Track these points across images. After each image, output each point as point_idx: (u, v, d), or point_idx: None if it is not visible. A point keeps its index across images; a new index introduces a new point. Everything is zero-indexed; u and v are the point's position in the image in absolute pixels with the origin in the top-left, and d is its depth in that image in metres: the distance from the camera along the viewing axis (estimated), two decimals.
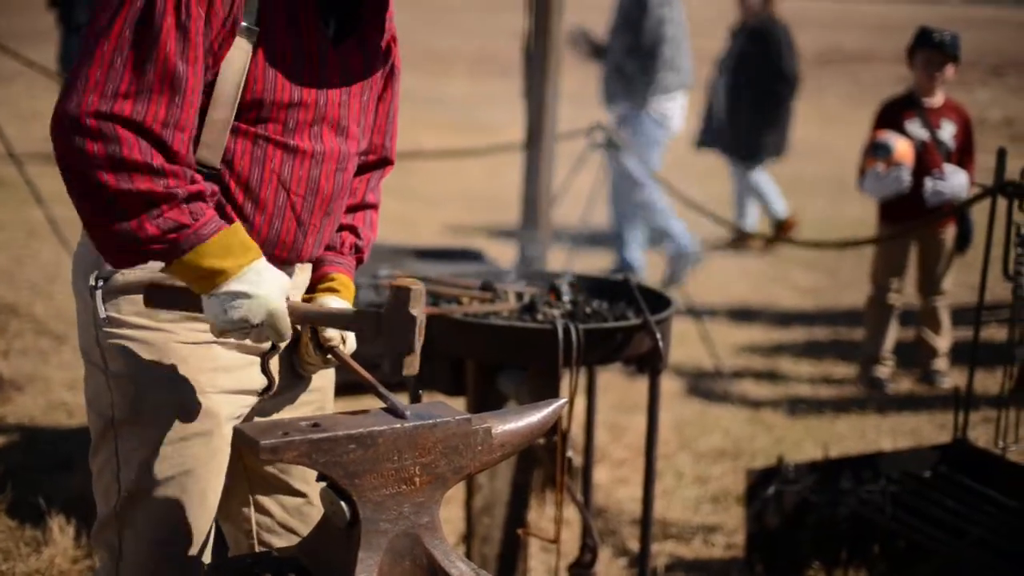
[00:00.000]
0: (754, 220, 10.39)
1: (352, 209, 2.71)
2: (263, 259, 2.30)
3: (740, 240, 10.11)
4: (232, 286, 2.25)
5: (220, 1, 2.26)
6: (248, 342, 2.40)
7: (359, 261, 2.74)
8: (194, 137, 2.29)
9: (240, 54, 2.30)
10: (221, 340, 2.40)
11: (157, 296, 2.35)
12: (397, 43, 2.66)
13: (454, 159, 11.27)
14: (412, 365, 2.33)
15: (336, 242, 2.68)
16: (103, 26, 2.19)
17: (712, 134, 10.17)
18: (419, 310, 2.29)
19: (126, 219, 2.18)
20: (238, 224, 2.30)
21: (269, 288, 2.28)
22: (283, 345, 2.52)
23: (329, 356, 2.55)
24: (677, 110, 8.50)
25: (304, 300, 2.62)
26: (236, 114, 2.33)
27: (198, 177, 2.29)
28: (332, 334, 2.53)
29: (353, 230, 2.70)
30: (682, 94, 8.56)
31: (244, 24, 2.29)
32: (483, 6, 40.29)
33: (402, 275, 4.09)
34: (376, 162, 2.74)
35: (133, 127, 2.17)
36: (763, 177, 10.26)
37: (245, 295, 2.25)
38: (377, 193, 2.77)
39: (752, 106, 9.78)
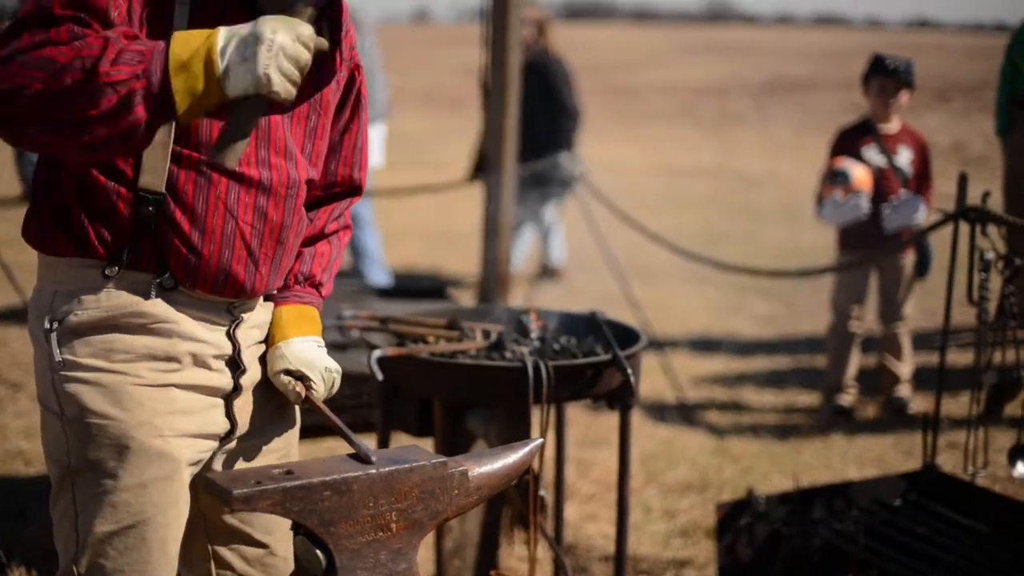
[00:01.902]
0: (559, 252, 10.05)
1: (312, 240, 2.66)
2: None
3: (548, 274, 9.84)
4: (226, 44, 2.10)
5: (149, 13, 2.22)
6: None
7: (313, 285, 2.67)
8: (135, 162, 2.25)
9: None
10: (180, 382, 2.36)
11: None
12: (362, 72, 2.62)
13: (408, 195, 11.24)
14: None
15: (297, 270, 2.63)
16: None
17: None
18: None
19: (88, 87, 2.06)
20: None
21: (239, 26, 2.14)
22: (246, 386, 2.47)
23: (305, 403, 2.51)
24: (374, 142, 8.44)
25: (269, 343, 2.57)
26: (176, 137, 2.28)
27: (127, 28, 2.18)
28: (299, 389, 2.49)
29: (311, 258, 2.65)
30: (378, 125, 8.53)
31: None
32: (430, 42, 40.40)
33: (365, 315, 4.04)
34: (342, 194, 2.70)
35: (41, 43, 2.09)
36: (552, 216, 9.82)
37: (239, 35, 2.11)
38: (340, 220, 2.71)
39: (534, 142, 9.20)
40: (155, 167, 2.28)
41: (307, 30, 2.14)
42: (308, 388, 2.50)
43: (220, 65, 2.09)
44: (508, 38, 5.92)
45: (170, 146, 2.29)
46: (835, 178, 6.50)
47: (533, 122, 8.98)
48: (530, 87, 9.20)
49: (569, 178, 9.13)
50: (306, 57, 2.13)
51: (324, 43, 2.21)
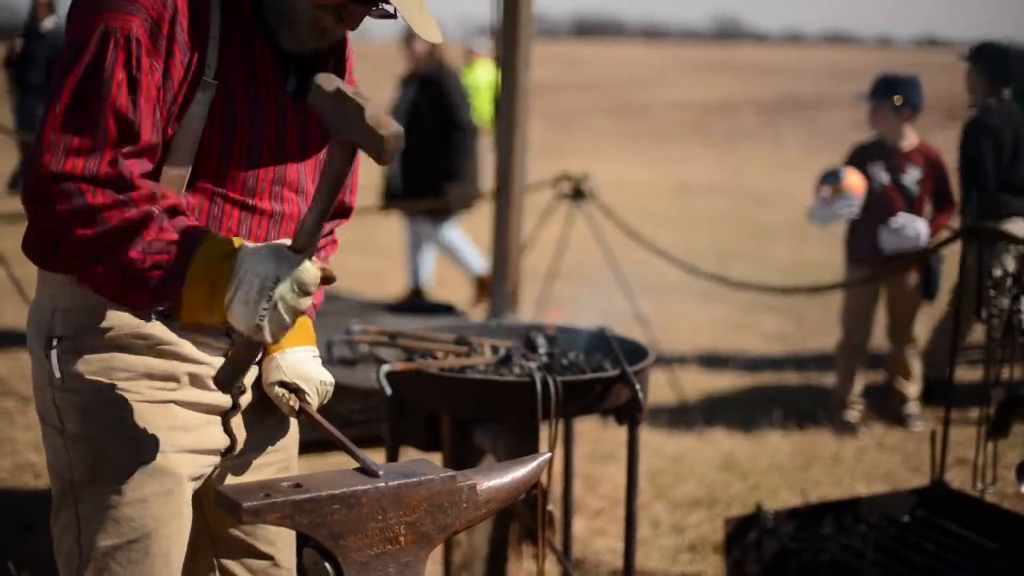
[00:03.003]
0: (428, 274, 9.79)
1: None
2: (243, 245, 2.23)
3: (413, 297, 9.51)
4: (236, 281, 2.17)
5: (180, 53, 2.25)
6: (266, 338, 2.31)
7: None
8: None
9: (199, 109, 2.29)
10: (179, 399, 2.38)
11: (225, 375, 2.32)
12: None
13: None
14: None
15: None
16: (57, 88, 2.20)
17: (393, 187, 9.38)
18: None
19: (118, 259, 2.17)
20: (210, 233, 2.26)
21: (264, 251, 2.20)
22: (244, 404, 2.48)
23: (300, 416, 2.52)
24: None
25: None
26: (194, 170, 2.32)
27: (169, 192, 2.26)
28: (308, 389, 2.50)
29: None
30: None
31: (204, 78, 2.28)
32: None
33: (374, 330, 4.05)
34: (334, 215, 2.72)
35: (90, 179, 2.16)
36: (455, 233, 9.52)
37: (250, 274, 2.16)
38: (329, 237, 2.73)
39: (430, 158, 9.10)
40: None
41: (311, 276, 2.18)
42: (302, 400, 2.50)
43: (227, 297, 2.16)
44: (518, 56, 5.93)
45: (186, 179, 2.32)
46: (827, 178, 6.52)
47: (423, 138, 8.86)
48: (419, 101, 9.15)
49: (466, 196, 9.05)
50: (305, 305, 2.19)
51: (331, 275, 2.26)
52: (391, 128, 2.04)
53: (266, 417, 2.58)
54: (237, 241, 2.22)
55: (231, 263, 2.17)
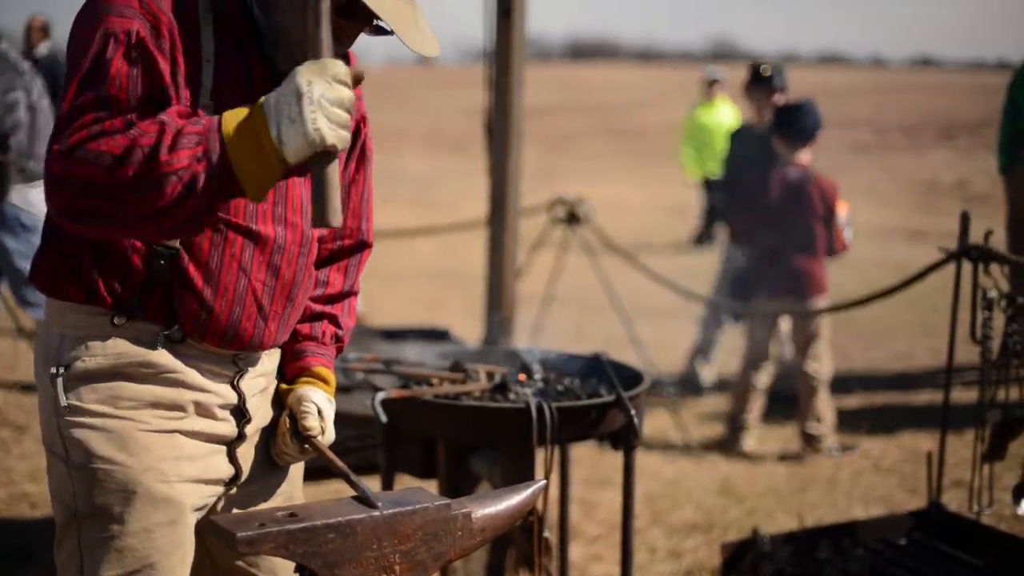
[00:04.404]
0: None
1: (331, 299, 2.68)
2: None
3: None
4: (271, 111, 2.10)
5: (179, 63, 2.25)
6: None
7: (339, 350, 2.71)
8: None
9: None
10: (185, 428, 2.37)
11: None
12: (367, 124, 2.64)
13: (411, 236, 11.28)
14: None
15: (317, 332, 2.64)
16: (65, 88, 2.20)
17: None
18: None
19: (154, 175, 2.08)
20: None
21: (277, 89, 2.14)
22: (251, 434, 2.48)
23: (306, 446, 2.51)
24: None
25: (283, 391, 2.58)
26: None
27: (179, 107, 2.24)
28: (312, 424, 2.50)
29: (333, 319, 2.67)
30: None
31: (201, 99, 2.28)
32: (433, 84, 40.56)
33: (369, 357, 4.05)
34: (352, 247, 2.70)
35: (97, 135, 2.12)
36: None
37: (279, 97, 2.10)
38: (356, 280, 2.73)
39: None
40: None
41: (340, 68, 2.11)
42: (308, 430, 2.51)
43: (273, 134, 2.08)
44: (511, 79, 5.95)
45: None
46: None
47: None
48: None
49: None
50: (348, 95, 2.11)
51: (361, 72, 2.19)
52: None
53: (270, 449, 2.58)
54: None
55: (258, 109, 2.11)
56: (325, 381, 2.61)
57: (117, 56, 2.18)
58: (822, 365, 6.90)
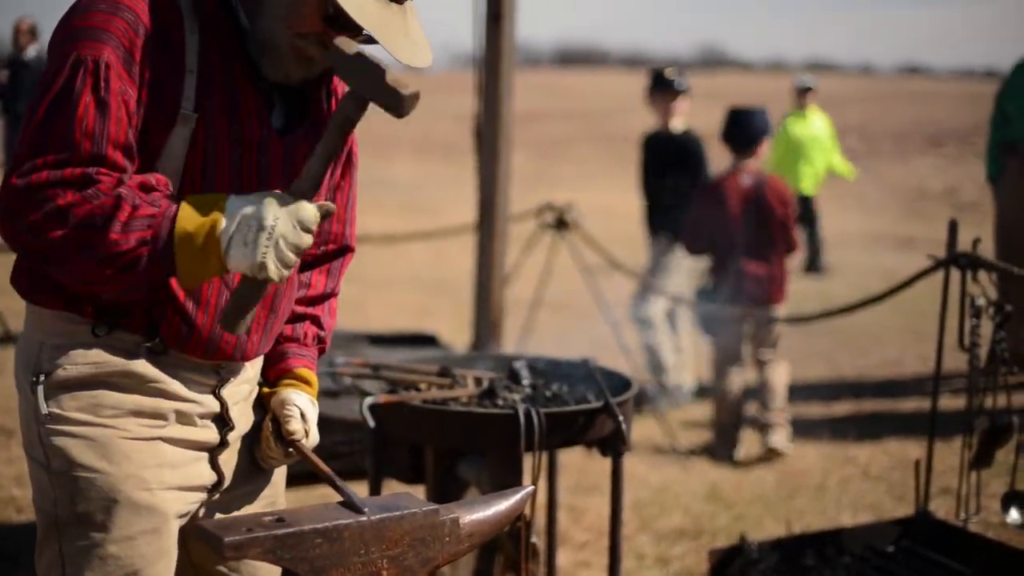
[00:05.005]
0: None
1: (313, 301, 2.68)
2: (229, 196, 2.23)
3: None
4: (230, 224, 2.16)
5: (154, 82, 2.24)
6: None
7: (321, 351, 2.71)
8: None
9: (179, 142, 2.28)
10: (166, 436, 2.36)
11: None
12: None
13: (400, 242, 11.27)
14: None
15: (299, 334, 2.64)
16: (30, 114, 2.20)
17: None
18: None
19: (101, 248, 2.14)
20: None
21: (254, 198, 2.20)
22: (233, 440, 2.47)
23: (290, 450, 2.51)
24: None
25: (266, 394, 2.58)
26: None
27: (142, 178, 2.24)
28: (295, 427, 2.49)
29: (315, 321, 2.67)
30: None
31: (183, 111, 2.27)
32: (422, 89, 40.45)
33: (357, 362, 4.04)
34: (335, 252, 2.71)
35: (56, 183, 2.14)
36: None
37: (243, 215, 2.16)
38: (339, 282, 2.73)
39: None
40: None
41: (310, 213, 2.19)
42: (291, 434, 2.50)
43: (223, 245, 2.15)
44: (501, 85, 5.95)
45: None
46: None
47: None
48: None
49: None
50: (308, 241, 2.19)
51: (331, 207, 2.25)
52: (412, 88, 2.16)
53: (254, 453, 2.57)
54: (220, 196, 2.21)
55: (216, 215, 2.16)
56: (307, 383, 2.60)
57: (86, 91, 2.18)
58: (776, 359, 6.95)
